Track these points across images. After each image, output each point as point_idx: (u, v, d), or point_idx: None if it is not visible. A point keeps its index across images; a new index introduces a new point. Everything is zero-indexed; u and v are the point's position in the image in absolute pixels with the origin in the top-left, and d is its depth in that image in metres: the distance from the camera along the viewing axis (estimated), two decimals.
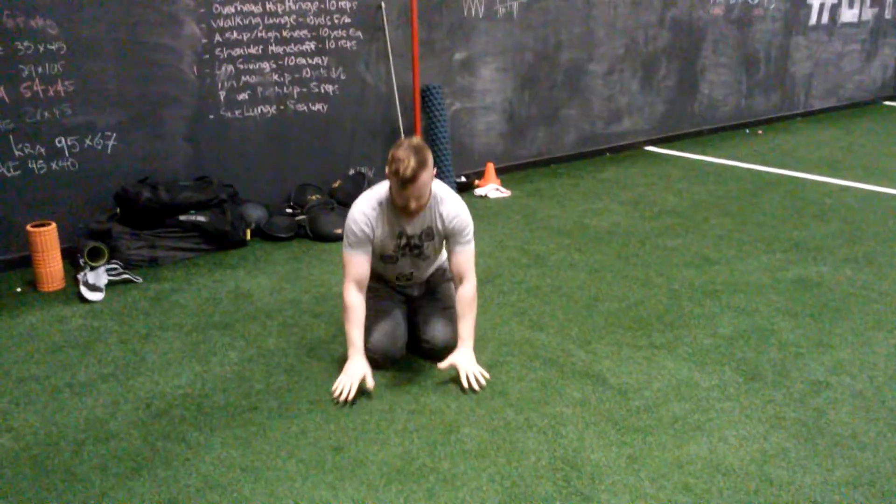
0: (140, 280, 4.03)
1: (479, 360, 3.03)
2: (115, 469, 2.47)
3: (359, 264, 2.91)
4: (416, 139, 2.77)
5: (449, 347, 3.06)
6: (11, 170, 4.12)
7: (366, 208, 2.88)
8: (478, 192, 5.70)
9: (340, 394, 2.82)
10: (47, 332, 3.47)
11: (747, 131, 7.95)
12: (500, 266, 4.22)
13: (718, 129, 7.85)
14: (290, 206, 4.98)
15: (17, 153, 4.11)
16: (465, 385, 2.88)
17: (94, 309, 3.72)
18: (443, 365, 2.94)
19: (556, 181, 6.07)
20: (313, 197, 4.99)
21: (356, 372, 2.87)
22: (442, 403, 2.84)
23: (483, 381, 2.92)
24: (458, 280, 3.01)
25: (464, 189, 5.73)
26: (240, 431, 2.67)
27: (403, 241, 2.96)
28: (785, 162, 6.53)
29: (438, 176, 5.59)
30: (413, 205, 2.76)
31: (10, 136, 4.08)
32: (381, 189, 2.90)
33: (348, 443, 2.60)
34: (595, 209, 5.29)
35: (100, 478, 2.43)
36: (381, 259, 3.03)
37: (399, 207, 2.81)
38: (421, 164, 2.68)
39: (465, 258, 2.96)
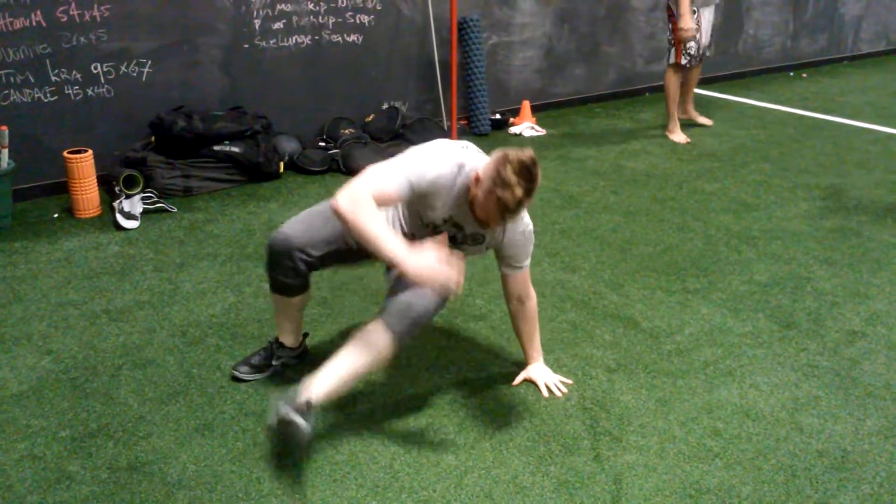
0: (174, 209, 4.06)
1: None
2: (151, 394, 2.53)
3: (393, 191, 2.15)
4: (528, 155, 2.15)
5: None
6: (48, 95, 4.12)
7: (448, 172, 2.24)
8: (512, 130, 5.62)
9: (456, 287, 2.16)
10: (84, 259, 3.52)
11: (791, 73, 7.71)
12: (533, 206, 4.13)
13: (762, 70, 7.62)
14: (323, 140, 4.95)
15: (53, 78, 4.11)
16: (546, 394, 2.56)
17: (130, 237, 3.76)
18: (517, 381, 2.62)
19: (592, 121, 5.96)
20: (347, 131, 4.95)
21: (432, 257, 2.12)
22: (472, 343, 2.85)
23: (565, 389, 2.58)
24: (515, 299, 2.53)
25: (498, 127, 5.65)
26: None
27: (451, 230, 2.38)
28: (829, 107, 6.34)
29: (472, 113, 5.52)
30: (495, 225, 2.31)
31: (47, 61, 4.07)
32: (471, 162, 2.28)
33: (379, 375, 2.63)
34: (632, 150, 5.20)
35: (137, 402, 2.49)
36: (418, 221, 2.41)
37: (477, 215, 2.28)
38: (530, 194, 2.17)
39: (522, 280, 2.50)
